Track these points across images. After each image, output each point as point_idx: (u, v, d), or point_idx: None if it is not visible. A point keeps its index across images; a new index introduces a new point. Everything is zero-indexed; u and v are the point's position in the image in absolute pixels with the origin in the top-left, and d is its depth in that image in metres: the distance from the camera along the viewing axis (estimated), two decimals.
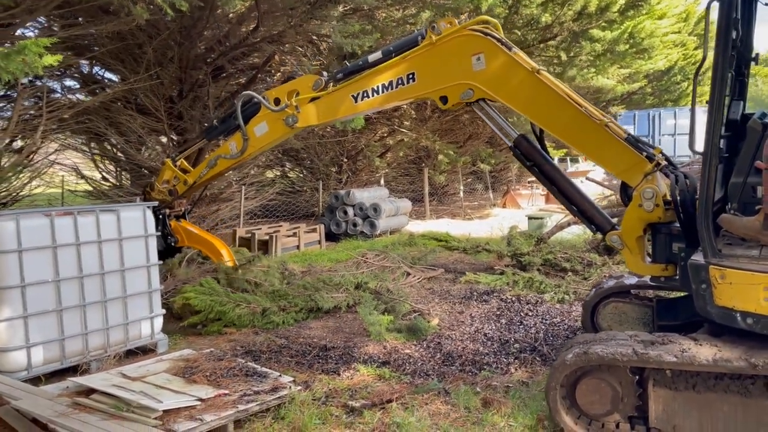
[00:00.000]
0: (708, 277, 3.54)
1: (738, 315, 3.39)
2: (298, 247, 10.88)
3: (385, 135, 16.42)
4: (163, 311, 5.49)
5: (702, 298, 3.62)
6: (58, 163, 13.08)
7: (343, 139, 14.50)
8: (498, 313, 6.40)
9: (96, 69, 11.43)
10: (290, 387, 4.21)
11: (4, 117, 10.19)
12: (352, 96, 5.29)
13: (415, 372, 4.81)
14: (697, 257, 3.69)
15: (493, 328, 5.91)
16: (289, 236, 10.90)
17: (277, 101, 5.80)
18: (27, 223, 4.48)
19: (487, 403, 4.14)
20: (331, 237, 12.12)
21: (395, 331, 5.73)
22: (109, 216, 5.00)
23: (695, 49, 25.11)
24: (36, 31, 9.97)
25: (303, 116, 5.58)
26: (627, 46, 13.09)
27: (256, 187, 15.06)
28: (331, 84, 5.58)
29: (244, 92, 6.12)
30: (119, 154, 12.16)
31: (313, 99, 5.56)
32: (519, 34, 12.11)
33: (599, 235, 4.91)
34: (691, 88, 15.29)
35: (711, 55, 3.56)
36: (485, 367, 4.89)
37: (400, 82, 5.08)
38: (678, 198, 4.17)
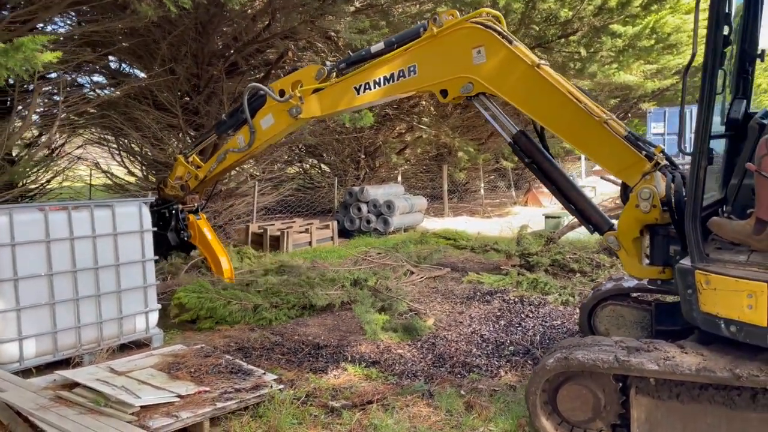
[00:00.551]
0: (694, 282, 3.41)
1: (722, 322, 3.26)
2: (310, 243, 10.90)
3: (403, 131, 16.33)
4: (159, 306, 5.53)
5: (688, 303, 3.49)
6: (80, 158, 13.38)
7: (360, 135, 14.45)
8: (498, 314, 6.29)
9: (124, 65, 11.64)
10: (271, 385, 4.19)
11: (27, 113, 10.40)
12: (354, 88, 5.26)
13: (403, 373, 4.76)
14: (685, 261, 3.56)
15: (491, 329, 5.81)
16: (301, 232, 10.92)
17: (282, 93, 5.80)
18: (20, 218, 4.55)
19: (470, 407, 4.06)
20: (345, 234, 12.11)
21: (391, 330, 5.68)
22: (103, 211, 5.05)
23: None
24: (57, 27, 10.17)
25: (306, 107, 5.58)
26: (652, 42, 12.74)
27: (273, 183, 15.17)
28: (334, 74, 5.58)
29: (250, 84, 6.14)
30: (142, 149, 12.37)
31: (316, 90, 5.55)
32: (537, 29, 11.89)
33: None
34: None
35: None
36: (475, 369, 4.80)
37: (401, 74, 5.04)
38: (673, 199, 4.03)
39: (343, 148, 15.03)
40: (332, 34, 11.57)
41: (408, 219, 12.51)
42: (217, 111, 11.47)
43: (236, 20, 10.87)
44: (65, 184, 13.85)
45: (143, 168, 12.68)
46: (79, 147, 13.51)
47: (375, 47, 5.34)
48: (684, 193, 4.06)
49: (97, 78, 12.10)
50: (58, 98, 10.46)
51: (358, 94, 5.26)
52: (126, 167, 12.55)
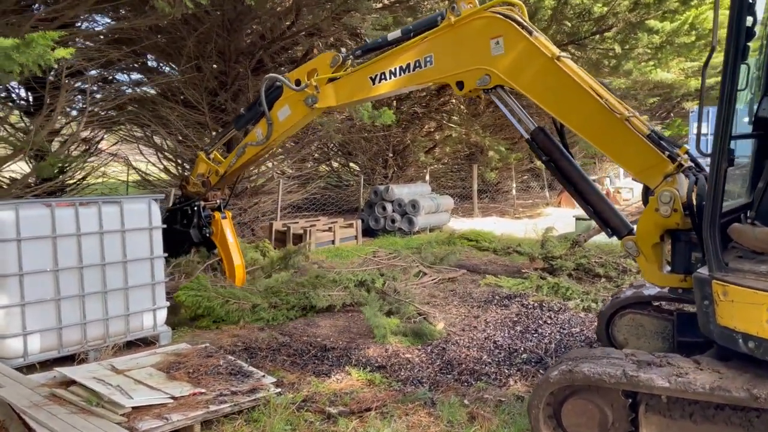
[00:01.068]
0: (711, 293, 3.17)
1: (739, 337, 3.01)
2: (333, 241, 10.81)
3: (432, 130, 16.12)
4: (167, 304, 5.50)
5: (705, 315, 3.25)
6: (114, 155, 13.62)
7: (388, 134, 14.31)
8: (515, 319, 6.07)
9: (160, 64, 11.76)
10: (269, 389, 4.09)
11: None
12: (370, 78, 5.14)
13: (408, 379, 4.60)
14: (703, 270, 3.31)
15: (505, 335, 5.60)
16: (324, 231, 10.84)
17: (298, 83, 5.73)
18: (26, 213, 4.55)
19: (472, 418, 3.88)
20: (369, 233, 11.99)
21: (401, 334, 5.52)
22: (111, 207, 5.03)
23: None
24: (95, 25, 10.31)
25: (322, 97, 5.48)
26: (692, 38, 12.24)
27: (301, 180, 15.16)
28: (350, 61, 5.49)
29: (267, 75, 6.09)
30: (176, 147, 12.52)
31: (332, 80, 5.46)
32: (570, 25, 11.55)
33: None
34: None
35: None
36: (483, 377, 4.61)
37: (417, 64, 4.88)
38: (694, 203, 3.77)
39: (371, 147, 14.90)
40: (359, 30, 11.47)
41: (434, 219, 12.31)
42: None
43: (263, 17, 10.86)
44: (99, 180, 14.17)
45: (177, 165, 12.84)
46: (114, 144, 13.78)
47: (392, 35, 5.23)
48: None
49: (126, 77, 12.30)
50: (91, 96, 10.63)
51: (374, 84, 5.13)
52: (162, 164, 12.74)
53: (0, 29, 7.70)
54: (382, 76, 5.06)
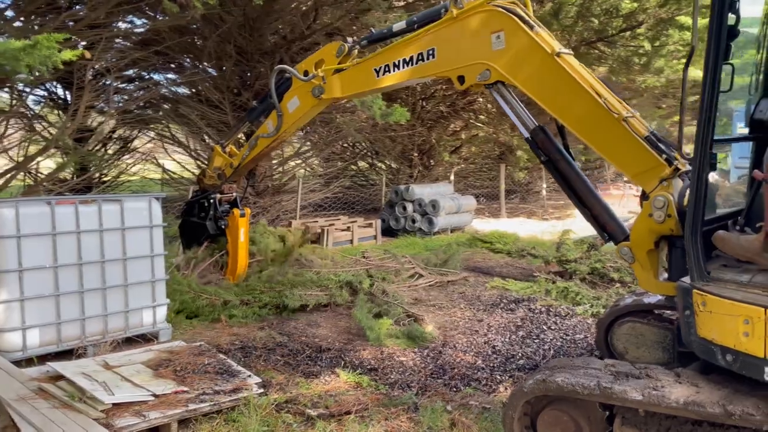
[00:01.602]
0: (691, 303, 3.03)
1: (718, 350, 2.87)
2: (351, 241, 10.80)
3: (458, 129, 15.95)
4: (168, 301, 5.57)
5: (687, 326, 3.12)
6: (143, 154, 13.95)
7: (412, 133, 14.23)
8: (519, 324, 5.95)
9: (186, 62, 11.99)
10: (252, 389, 4.09)
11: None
12: (375, 70, 5.16)
13: (396, 382, 4.54)
14: (687, 279, 3.16)
15: (506, 340, 5.49)
16: (343, 230, 10.84)
17: (306, 73, 5.79)
18: (26, 211, 4.67)
19: (453, 425, 3.81)
20: (390, 233, 11.94)
21: (396, 337, 5.46)
22: (112, 206, 5.12)
23: None
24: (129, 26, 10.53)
25: (328, 88, 5.55)
26: None
27: (325, 180, 15.21)
28: (356, 50, 5.53)
29: (277, 66, 6.17)
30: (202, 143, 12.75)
31: (338, 71, 5.51)
32: (597, 22, 11.26)
33: None
34: None
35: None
36: (473, 383, 4.52)
37: (420, 57, 4.86)
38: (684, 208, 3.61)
39: (395, 146, 14.85)
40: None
41: (455, 219, 12.18)
42: None
43: (285, 17, 10.93)
44: (134, 177, 14.55)
45: (201, 164, 13.08)
46: (149, 141, 14.12)
47: (397, 26, 5.22)
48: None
49: (156, 76, 12.55)
50: (114, 95, 10.89)
51: (378, 76, 5.15)
52: (195, 159, 13.02)
53: (23, 30, 7.96)
54: (386, 69, 5.07)
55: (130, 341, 5.32)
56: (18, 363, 4.57)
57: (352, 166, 16.55)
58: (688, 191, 3.63)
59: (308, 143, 13.74)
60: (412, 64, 4.92)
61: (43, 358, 4.76)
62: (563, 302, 6.54)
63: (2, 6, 8.62)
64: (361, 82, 5.33)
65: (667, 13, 11.06)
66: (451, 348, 5.30)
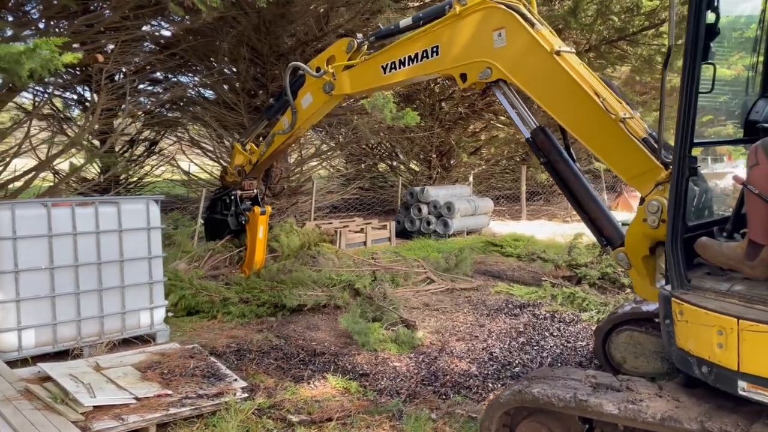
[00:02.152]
0: (671, 312, 2.90)
1: (694, 361, 2.74)
2: (365, 243, 10.75)
3: (477, 130, 15.77)
4: (166, 303, 5.59)
5: (667, 335, 2.98)
6: (163, 155, 14.15)
7: (431, 134, 14.11)
8: (521, 330, 5.81)
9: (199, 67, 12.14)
10: (236, 393, 4.07)
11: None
12: (382, 67, 5.24)
13: (386, 389, 4.47)
14: (669, 286, 3.03)
15: (505, 346, 5.36)
16: (356, 232, 10.80)
17: (318, 70, 5.89)
18: (22, 213, 4.73)
19: None
20: (404, 235, 11.85)
21: (390, 341, 5.38)
22: (109, 208, 5.16)
23: None
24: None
25: (338, 84, 5.66)
26: (752, 32, 11.35)
27: (343, 181, 15.20)
28: (365, 46, 5.63)
29: (290, 63, 6.25)
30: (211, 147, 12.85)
31: (348, 67, 5.60)
32: (617, 20, 10.99)
33: None
34: None
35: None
36: (463, 390, 4.42)
37: (424, 55, 4.91)
38: None
39: (413, 147, 14.75)
40: None
41: (471, 222, 12.03)
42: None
43: (300, 19, 10.95)
44: (160, 178, 14.78)
45: (217, 166, 13.22)
46: (173, 143, 14.32)
47: (403, 22, 5.27)
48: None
49: (181, 78, 12.71)
50: (131, 96, 11.03)
51: (385, 73, 5.22)
52: (218, 161, 13.18)
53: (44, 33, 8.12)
54: (393, 66, 5.14)
55: (128, 343, 5.35)
56: (14, 363, 4.64)
57: (372, 168, 16.52)
58: None
59: (325, 145, 13.73)
60: (417, 61, 4.96)
61: (40, 359, 4.81)
62: (569, 308, 6.37)
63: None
64: (369, 78, 5.41)
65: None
66: (448, 354, 5.21)
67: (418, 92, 14.49)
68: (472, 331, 5.85)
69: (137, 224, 5.32)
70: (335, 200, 13.24)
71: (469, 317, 6.31)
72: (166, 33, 10.95)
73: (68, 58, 5.35)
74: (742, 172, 2.80)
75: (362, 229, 10.89)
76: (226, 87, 11.86)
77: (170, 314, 5.85)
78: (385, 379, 4.66)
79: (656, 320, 4.44)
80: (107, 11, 8.68)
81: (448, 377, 4.67)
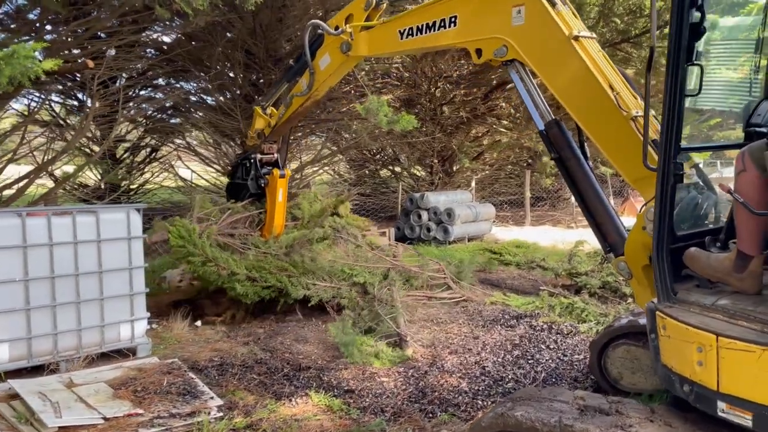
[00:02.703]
0: (656, 326, 2.70)
1: (677, 379, 2.55)
2: None
3: (480, 135, 15.55)
4: (147, 315, 5.42)
5: (654, 350, 2.78)
6: (160, 162, 14.04)
7: (431, 138, 13.91)
8: (517, 342, 5.59)
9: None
10: (210, 412, 3.88)
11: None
12: (399, 31, 5.13)
13: (370, 406, 4.26)
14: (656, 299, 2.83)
15: (498, 360, 5.15)
16: None
17: (336, 29, 5.77)
18: None
19: None
20: (404, 241, 11.62)
21: (378, 355, 5.18)
22: (87, 217, 5.00)
23: None
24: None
25: (356, 45, 5.57)
26: (757, 34, 11.11)
27: (344, 186, 15.02)
28: (384, 4, 5.56)
29: (310, 22, 6.16)
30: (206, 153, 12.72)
31: (366, 29, 5.49)
32: (619, 22, 10.78)
33: None
34: None
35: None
36: (451, 408, 4.21)
37: (442, 24, 4.80)
38: None
39: (413, 152, 14.56)
40: None
41: (472, 228, 11.80)
42: None
43: (296, 24, 10.81)
44: (165, 185, 14.67)
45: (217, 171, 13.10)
46: (173, 150, 14.22)
47: None
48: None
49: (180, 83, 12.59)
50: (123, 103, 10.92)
51: (402, 38, 5.13)
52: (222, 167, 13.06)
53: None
54: (410, 32, 5.05)
55: (108, 357, 5.18)
56: None
57: (374, 174, 16.35)
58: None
59: (325, 150, 13.57)
60: (434, 30, 4.87)
61: (15, 374, 4.65)
62: (567, 319, 6.15)
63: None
64: (386, 42, 5.33)
65: None
66: (438, 368, 5.00)
67: (419, 96, 14.32)
68: (465, 343, 5.64)
69: (117, 234, 5.16)
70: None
71: (463, 328, 6.09)
72: (167, 39, 10.87)
73: (48, 64, 5.21)
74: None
75: (363, 235, 10.68)
76: (225, 93, 11.74)
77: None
78: (370, 395, 4.46)
79: None
80: (103, 16, 8.57)
81: (436, 394, 4.46)
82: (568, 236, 12.77)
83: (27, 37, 8.38)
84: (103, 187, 11.89)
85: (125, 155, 13.90)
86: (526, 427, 2.81)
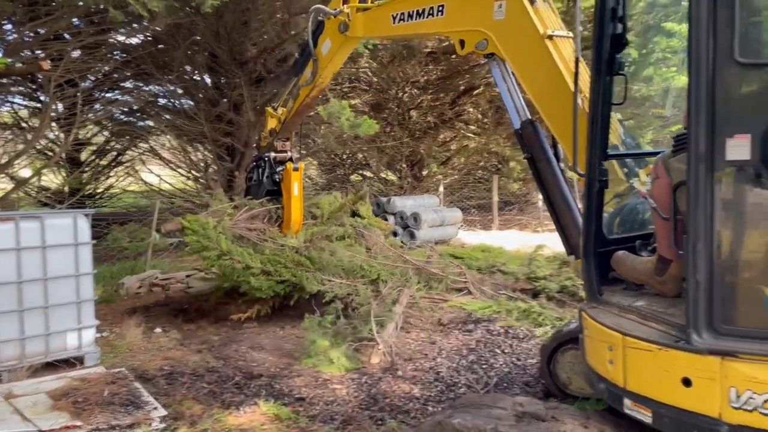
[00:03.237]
0: (582, 326, 2.74)
1: (594, 377, 2.60)
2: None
3: (448, 140, 15.63)
4: (96, 322, 5.29)
5: (582, 350, 2.81)
6: (122, 164, 13.81)
7: (399, 143, 13.94)
8: (473, 347, 5.59)
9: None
10: (152, 423, 3.80)
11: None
12: (392, 16, 5.24)
13: (319, 414, 4.21)
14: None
15: (453, 365, 5.14)
16: None
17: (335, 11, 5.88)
18: None
19: None
20: None
21: (334, 360, 5.13)
22: (31, 223, 4.86)
23: None
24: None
25: (353, 25, 5.67)
26: None
27: (314, 191, 14.95)
28: None
29: (314, 7, 6.14)
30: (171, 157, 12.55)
31: (361, 10, 5.63)
32: (582, 29, 10.90)
33: None
34: None
35: None
36: (401, 415, 4.17)
37: (430, 12, 4.88)
38: None
39: (382, 157, 14.57)
40: None
41: (438, 232, 11.83)
42: (247, 122, 11.29)
43: (261, 28, 10.73)
44: (115, 191, 14.43)
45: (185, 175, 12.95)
46: (139, 154, 13.99)
47: None
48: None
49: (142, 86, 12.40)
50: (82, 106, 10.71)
51: (394, 23, 5.23)
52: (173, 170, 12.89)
53: None
54: (402, 17, 5.14)
55: (54, 367, 5.03)
56: None
57: (344, 178, 16.31)
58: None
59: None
60: (423, 17, 4.94)
61: None
62: (524, 323, 6.17)
63: None
64: (380, 25, 5.46)
65: (654, 20, 10.69)
66: (392, 374, 4.96)
67: (387, 101, 14.34)
68: (422, 348, 5.62)
69: (63, 240, 5.03)
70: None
71: (421, 334, 6.07)
72: (134, 41, 10.68)
73: None
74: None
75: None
76: (190, 96, 11.60)
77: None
78: (321, 403, 4.41)
79: None
80: (65, 16, 8.40)
81: (387, 400, 4.43)
82: (533, 240, 12.86)
83: None
84: (67, 190, 11.66)
85: (91, 158, 13.66)
86: None
